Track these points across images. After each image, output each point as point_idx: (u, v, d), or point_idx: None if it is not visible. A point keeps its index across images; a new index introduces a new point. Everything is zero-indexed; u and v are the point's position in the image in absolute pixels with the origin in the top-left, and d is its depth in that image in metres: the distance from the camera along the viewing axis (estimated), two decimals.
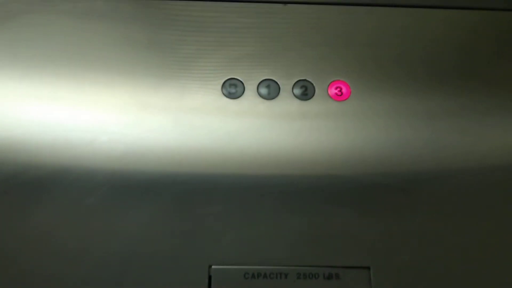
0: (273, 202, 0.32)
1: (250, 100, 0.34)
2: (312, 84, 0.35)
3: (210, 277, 0.29)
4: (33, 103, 0.33)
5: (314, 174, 0.33)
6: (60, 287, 0.29)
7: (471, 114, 0.34)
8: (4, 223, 0.30)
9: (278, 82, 0.34)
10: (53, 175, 0.31)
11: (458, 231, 0.32)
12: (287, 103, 0.34)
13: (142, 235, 0.30)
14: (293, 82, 0.34)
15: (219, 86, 0.34)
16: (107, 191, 0.31)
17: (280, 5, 0.36)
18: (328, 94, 0.35)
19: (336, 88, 0.35)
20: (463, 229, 0.32)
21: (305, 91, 0.34)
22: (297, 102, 0.34)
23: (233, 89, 0.34)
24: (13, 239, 0.30)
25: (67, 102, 0.33)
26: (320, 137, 0.33)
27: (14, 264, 0.30)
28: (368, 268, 0.30)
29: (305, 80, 0.35)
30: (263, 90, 0.34)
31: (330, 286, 0.30)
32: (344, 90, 0.35)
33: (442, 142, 0.34)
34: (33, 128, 0.32)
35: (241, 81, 0.34)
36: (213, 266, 0.30)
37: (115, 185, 0.31)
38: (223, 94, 0.34)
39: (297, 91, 0.34)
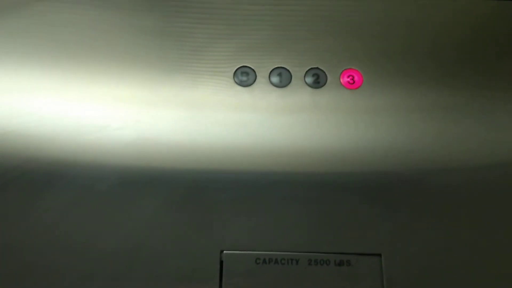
0: (284, 189, 0.32)
1: (261, 88, 0.34)
2: (324, 72, 0.34)
3: (221, 262, 0.30)
4: (43, 92, 0.33)
5: (326, 162, 0.32)
6: (71, 276, 0.29)
7: (484, 107, 0.34)
8: (12, 214, 0.30)
9: (290, 70, 0.34)
10: (63, 164, 0.31)
11: (468, 222, 0.32)
12: (298, 91, 0.34)
13: (152, 221, 0.30)
14: (305, 70, 0.34)
15: (231, 74, 0.34)
16: (118, 179, 0.31)
17: None
18: (340, 82, 0.34)
19: (348, 77, 0.35)
20: (473, 220, 0.32)
21: (317, 79, 0.34)
22: (309, 90, 0.34)
23: (244, 77, 0.34)
24: (21, 230, 0.30)
25: (78, 91, 0.33)
26: (331, 125, 0.33)
27: (22, 256, 0.30)
28: (379, 255, 0.30)
29: (317, 68, 0.34)
30: (275, 78, 0.34)
31: (341, 273, 0.30)
32: (356, 78, 0.35)
33: (455, 132, 0.33)
34: (42, 118, 0.32)
35: (252, 69, 0.34)
36: (224, 251, 0.30)
37: (125, 174, 0.31)
38: (235, 82, 0.34)
39: (309, 79, 0.34)
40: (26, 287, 0.29)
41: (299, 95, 0.34)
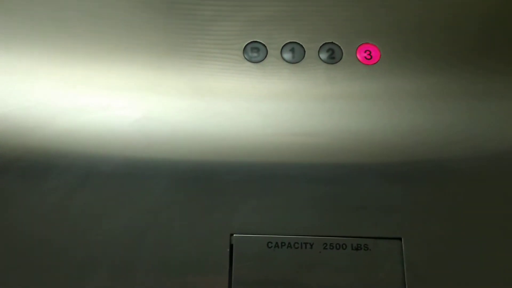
0: (298, 170, 0.30)
1: (273, 64, 0.32)
2: (340, 47, 0.33)
3: (231, 246, 0.28)
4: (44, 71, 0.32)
5: (342, 142, 0.31)
6: (78, 258, 0.28)
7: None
8: (14, 197, 0.29)
9: (303, 45, 0.33)
10: (67, 144, 0.30)
11: (491, 206, 0.30)
12: (312, 67, 0.32)
13: (160, 204, 0.29)
14: (319, 45, 0.33)
15: (241, 51, 0.32)
16: (123, 161, 0.30)
17: None
18: (357, 57, 0.33)
19: (365, 52, 0.33)
20: (496, 204, 0.30)
21: (332, 55, 0.32)
22: (323, 66, 0.32)
23: (255, 53, 0.32)
24: (25, 213, 0.29)
25: (82, 68, 0.32)
26: (347, 102, 0.32)
27: (27, 239, 0.29)
28: (400, 239, 0.28)
29: (332, 43, 0.33)
30: (287, 54, 0.32)
31: (358, 257, 0.28)
32: (373, 53, 0.33)
33: (477, 112, 0.31)
34: (44, 98, 0.31)
35: (263, 45, 0.32)
36: (234, 235, 0.28)
37: (131, 155, 0.30)
38: (245, 58, 0.32)
39: (324, 54, 0.32)
40: (30, 270, 0.28)
41: (313, 72, 0.32)
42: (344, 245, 0.28)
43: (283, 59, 0.32)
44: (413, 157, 0.30)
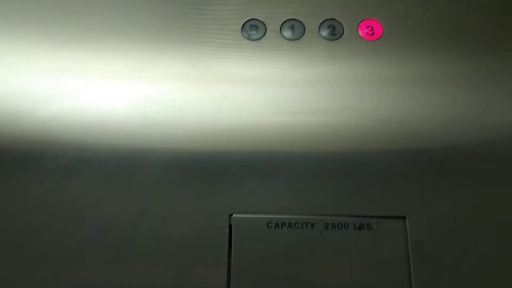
0: (299, 149, 0.29)
1: (272, 42, 0.31)
2: (341, 23, 0.32)
3: (230, 227, 0.27)
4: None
5: (344, 119, 0.30)
6: (74, 242, 0.28)
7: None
8: (6, 182, 0.29)
9: (303, 22, 0.32)
10: (61, 130, 0.29)
11: (498, 185, 0.29)
12: (313, 44, 0.31)
13: (157, 185, 0.28)
14: (320, 22, 0.32)
15: (239, 28, 0.31)
16: (120, 141, 0.29)
17: None
18: (359, 34, 0.32)
19: (367, 27, 0.32)
20: (502, 184, 0.29)
21: (333, 31, 0.31)
22: (324, 43, 0.31)
23: (253, 30, 0.31)
24: (18, 197, 0.28)
25: (77, 51, 0.31)
26: (349, 79, 0.31)
27: (20, 224, 0.28)
28: (404, 218, 0.28)
29: (332, 19, 0.32)
30: (287, 31, 0.31)
31: (361, 237, 0.27)
32: (375, 29, 0.32)
33: (483, 90, 0.30)
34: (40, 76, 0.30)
35: (262, 22, 0.32)
36: (234, 215, 0.28)
37: (128, 135, 0.29)
38: (243, 36, 0.31)
39: (324, 31, 0.31)
40: (24, 256, 0.27)
41: (314, 49, 0.31)
42: (346, 225, 0.28)
43: (283, 36, 0.31)
44: (417, 135, 0.30)
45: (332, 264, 0.27)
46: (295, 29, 0.32)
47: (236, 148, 0.29)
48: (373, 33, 0.32)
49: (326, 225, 0.28)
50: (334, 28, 0.32)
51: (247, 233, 0.27)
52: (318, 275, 0.27)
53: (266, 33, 0.31)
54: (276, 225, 0.27)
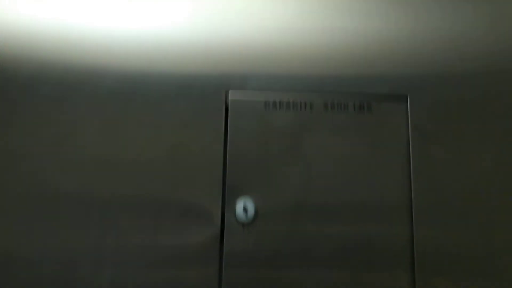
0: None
1: None
2: None
3: (227, 106, 0.27)
4: None
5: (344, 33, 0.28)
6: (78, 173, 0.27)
7: None
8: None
9: None
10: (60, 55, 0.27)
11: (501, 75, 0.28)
12: None
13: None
14: None
15: None
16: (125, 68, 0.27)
17: None
18: None
19: None
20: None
21: None
22: None
23: None
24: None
25: None
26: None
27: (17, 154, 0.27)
28: (406, 96, 0.27)
29: None
30: None
31: (362, 118, 0.27)
32: None
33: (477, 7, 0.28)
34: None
35: None
36: (231, 90, 0.27)
37: (130, 63, 0.27)
38: None
39: None
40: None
41: None
42: (346, 105, 0.27)
43: None
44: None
45: (331, 146, 0.26)
46: None
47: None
48: None
49: (326, 105, 0.27)
50: None
51: (244, 114, 0.26)
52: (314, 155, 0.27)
53: None
54: (274, 105, 0.26)
